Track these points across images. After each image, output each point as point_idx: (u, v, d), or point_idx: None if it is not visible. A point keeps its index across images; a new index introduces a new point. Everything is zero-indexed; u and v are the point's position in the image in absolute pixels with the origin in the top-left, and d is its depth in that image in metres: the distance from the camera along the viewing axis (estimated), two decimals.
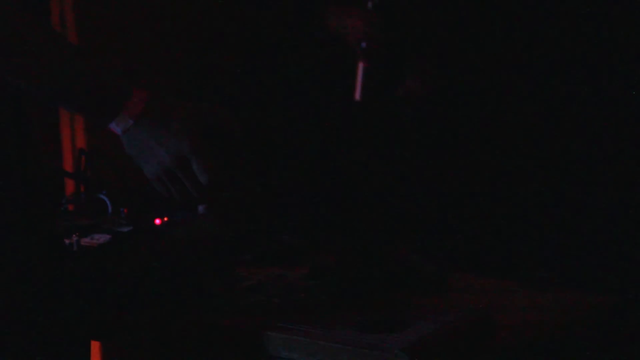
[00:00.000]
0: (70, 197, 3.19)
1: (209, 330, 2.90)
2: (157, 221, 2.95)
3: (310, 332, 2.67)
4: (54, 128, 4.01)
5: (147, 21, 4.59)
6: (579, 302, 3.07)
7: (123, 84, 2.54)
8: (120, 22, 4.53)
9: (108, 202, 3.01)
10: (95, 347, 3.50)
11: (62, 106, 2.94)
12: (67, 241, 2.96)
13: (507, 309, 2.92)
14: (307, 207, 3.90)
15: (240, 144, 2.83)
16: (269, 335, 2.68)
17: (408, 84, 4.58)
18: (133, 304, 2.90)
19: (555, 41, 5.23)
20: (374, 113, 4.49)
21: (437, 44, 4.77)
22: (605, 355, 3.06)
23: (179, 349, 3.07)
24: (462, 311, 2.77)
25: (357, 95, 4.46)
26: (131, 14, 4.52)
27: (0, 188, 2.57)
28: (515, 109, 5.32)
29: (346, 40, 4.45)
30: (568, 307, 3.02)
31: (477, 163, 5.02)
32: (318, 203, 4.24)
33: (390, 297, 2.89)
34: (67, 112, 3.82)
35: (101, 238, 2.97)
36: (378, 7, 4.42)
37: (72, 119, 4.03)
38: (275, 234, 3.13)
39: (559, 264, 5.34)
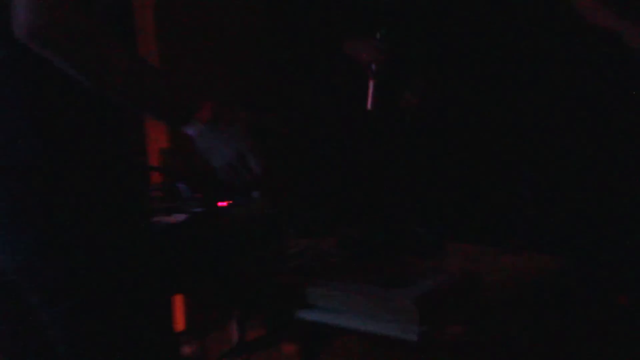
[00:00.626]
0: (155, 185, 3.49)
1: (260, 287, 3.21)
2: (222, 204, 3.23)
3: (340, 287, 2.99)
4: (142, 132, 4.30)
5: (213, 48, 4.84)
6: (541, 264, 3.37)
7: (194, 97, 2.81)
8: (192, 45, 4.79)
9: (184, 189, 3.32)
10: (179, 299, 3.79)
11: (149, 115, 3.14)
12: (153, 219, 3.23)
13: (490, 270, 3.18)
14: (334, 192, 4.20)
15: (282, 143, 3.19)
16: (309, 289, 3.01)
17: (407, 97, 4.89)
18: (205, 266, 3.21)
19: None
20: (382, 118, 4.83)
21: (429, 66, 5.07)
22: (558, 304, 3.40)
23: (241, 299, 3.40)
24: (455, 272, 3.08)
25: (369, 105, 4.72)
26: (201, 42, 4.81)
27: (106, 179, 2.79)
28: (492, 115, 5.67)
29: (360, 63, 4.80)
30: (533, 269, 3.33)
31: (464, 155, 5.33)
32: (342, 189, 4.57)
33: (400, 260, 3.18)
34: (152, 120, 4.12)
35: (180, 217, 3.22)
36: (383, 38, 4.79)
37: (156, 127, 4.34)
38: (311, 213, 3.47)
39: (529, 234, 5.72)
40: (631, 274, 5.44)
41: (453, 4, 5.11)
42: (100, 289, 2.82)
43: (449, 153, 5.14)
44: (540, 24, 5.44)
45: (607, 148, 5.31)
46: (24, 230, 2.77)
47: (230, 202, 3.21)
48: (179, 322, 3.79)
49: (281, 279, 3.16)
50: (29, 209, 2.75)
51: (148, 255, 2.98)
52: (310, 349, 3.51)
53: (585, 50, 5.22)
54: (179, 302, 3.70)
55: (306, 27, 4.87)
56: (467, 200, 5.36)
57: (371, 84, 4.74)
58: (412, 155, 4.96)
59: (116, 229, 2.86)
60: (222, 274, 3.22)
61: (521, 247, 3.59)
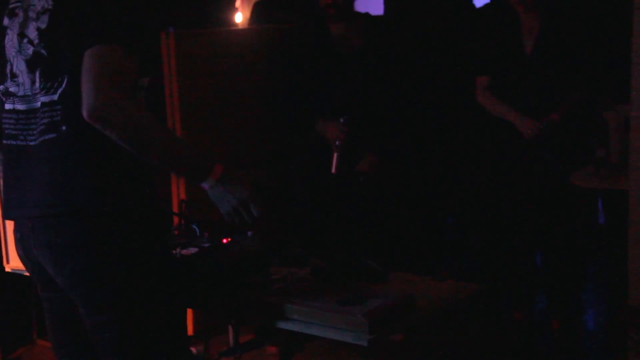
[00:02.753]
0: (175, 226, 3.45)
1: (251, 303, 3.20)
2: (224, 240, 3.24)
3: (310, 304, 3.00)
4: (167, 186, 4.31)
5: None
6: (461, 288, 3.36)
7: (209, 161, 2.85)
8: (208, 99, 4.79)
9: (197, 229, 3.29)
10: (189, 311, 3.77)
11: (175, 174, 3.15)
12: (173, 251, 3.22)
13: (422, 293, 3.14)
14: (308, 232, 4.19)
15: (271, 195, 3.24)
16: (287, 306, 3.01)
17: (360, 165, 4.87)
18: (210, 286, 3.19)
19: None
20: (342, 180, 4.80)
21: (378, 145, 5.10)
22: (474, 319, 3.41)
23: (236, 312, 3.42)
24: (396, 294, 3.06)
25: (333, 170, 4.74)
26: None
27: (141, 221, 2.85)
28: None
29: (328, 139, 4.77)
30: (455, 292, 3.32)
31: (402, 207, 5.34)
32: (314, 230, 4.57)
33: (354, 284, 3.18)
34: (175, 177, 4.15)
35: (193, 250, 3.22)
36: (346, 121, 4.69)
37: (178, 181, 4.36)
38: (290, 248, 3.44)
39: (450, 266, 5.74)
40: (523, 296, 5.49)
41: (395, 100, 5.12)
42: (136, 303, 2.86)
43: (391, 205, 5.15)
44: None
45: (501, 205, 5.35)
46: (79, 259, 2.81)
47: (230, 239, 3.22)
48: (189, 328, 3.77)
49: (266, 297, 3.16)
50: (83, 242, 2.79)
51: (170, 278, 3.00)
52: (287, 351, 3.56)
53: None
54: (189, 313, 3.69)
55: (291, 113, 4.91)
56: (405, 240, 5.39)
57: (335, 155, 4.75)
58: (364, 206, 4.97)
59: (149, 258, 2.91)
60: (223, 293, 3.23)
61: (445, 275, 3.59)
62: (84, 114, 2.61)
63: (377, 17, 5.66)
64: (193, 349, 3.78)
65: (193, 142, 4.35)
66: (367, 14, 5.25)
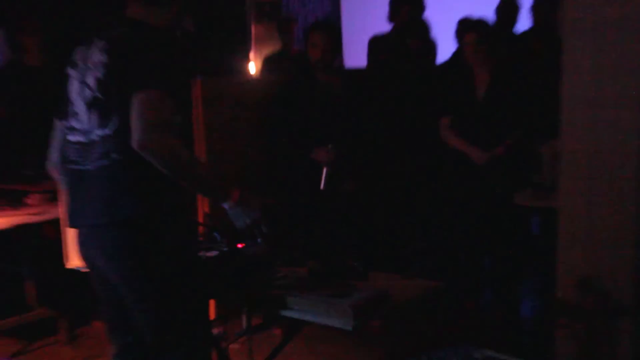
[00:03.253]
0: (201, 234, 3.45)
1: (260, 295, 3.21)
2: (239, 245, 3.23)
3: (306, 297, 3.02)
4: (194, 202, 4.30)
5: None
6: (425, 284, 3.35)
7: (229, 186, 2.90)
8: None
9: (217, 236, 3.31)
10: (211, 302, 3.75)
11: (203, 195, 3.18)
12: (199, 253, 3.21)
13: (394, 288, 3.15)
14: (306, 241, 4.15)
15: (275, 215, 3.25)
16: (289, 298, 3.05)
17: (344, 186, 4.93)
18: (227, 282, 3.20)
19: None
20: (330, 196, 4.78)
21: (360, 169, 5.11)
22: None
23: (248, 302, 3.40)
24: (374, 289, 3.10)
25: (322, 186, 4.70)
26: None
27: (175, 229, 2.89)
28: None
29: (319, 162, 4.75)
30: (420, 287, 3.31)
31: (379, 220, 5.35)
32: (311, 239, 4.54)
33: (342, 282, 3.18)
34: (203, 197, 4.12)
35: (214, 253, 3.23)
36: (333, 148, 4.70)
37: (202, 199, 4.35)
38: (291, 253, 3.46)
39: (416, 267, 5.75)
40: (474, 290, 5.49)
41: (370, 132, 5.12)
42: (168, 294, 2.89)
43: (370, 218, 5.15)
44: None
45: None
46: (123, 260, 2.86)
47: (244, 245, 3.22)
48: (211, 314, 3.77)
49: (272, 291, 3.17)
50: (125, 246, 2.83)
51: (196, 275, 3.02)
52: (289, 333, 3.55)
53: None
54: (211, 303, 3.69)
55: (290, 143, 4.89)
56: (381, 246, 5.40)
57: (324, 173, 4.71)
58: (349, 218, 4.98)
59: (179, 259, 2.93)
60: (237, 287, 3.23)
61: (411, 274, 3.61)
62: (133, 145, 2.65)
63: (353, 70, 5.66)
64: (214, 330, 3.77)
65: (215, 166, 4.40)
66: (343, 67, 5.29)
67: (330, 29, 5.17)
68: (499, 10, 6.39)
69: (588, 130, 3.66)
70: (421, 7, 5.99)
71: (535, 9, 5.95)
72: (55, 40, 5.37)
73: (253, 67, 8.25)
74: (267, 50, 8.24)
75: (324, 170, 4.74)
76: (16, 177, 4.88)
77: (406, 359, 1.85)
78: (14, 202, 4.57)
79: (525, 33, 6.26)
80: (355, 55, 6.49)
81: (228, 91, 4.90)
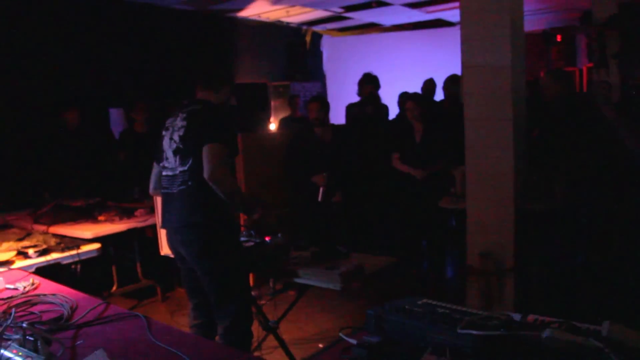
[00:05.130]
0: (243, 231, 3.36)
1: (280, 269, 3.21)
2: (266, 238, 3.22)
3: (310, 269, 3.04)
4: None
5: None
6: (387, 259, 3.33)
7: (257, 205, 2.96)
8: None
9: (252, 233, 3.28)
10: (250, 275, 3.74)
11: (241, 211, 3.19)
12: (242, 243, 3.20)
13: (367, 262, 3.16)
14: (309, 235, 4.15)
15: (284, 222, 3.29)
16: (298, 270, 3.05)
17: (336, 197, 4.90)
18: (259, 262, 3.21)
19: None
20: (325, 206, 4.76)
21: (345, 188, 5.07)
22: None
23: (273, 273, 3.41)
24: (353, 264, 3.08)
25: (319, 199, 4.66)
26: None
27: (229, 229, 2.92)
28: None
29: (317, 184, 4.73)
30: (384, 261, 3.30)
31: (355, 218, 5.36)
32: (312, 233, 4.54)
33: (333, 259, 3.18)
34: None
35: (250, 243, 3.25)
36: (326, 175, 4.72)
37: None
38: (300, 242, 3.42)
39: (382, 247, 5.73)
40: (417, 262, 5.49)
41: (350, 163, 5.13)
42: (225, 269, 2.89)
43: (349, 218, 5.14)
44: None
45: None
46: (197, 248, 2.86)
47: (269, 237, 3.22)
48: (251, 282, 3.77)
49: (288, 266, 3.16)
50: (198, 240, 2.86)
51: (241, 257, 3.02)
52: (300, 293, 3.54)
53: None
54: (250, 275, 3.67)
55: (300, 173, 4.90)
56: (359, 236, 5.39)
57: (321, 192, 4.70)
58: (338, 219, 4.98)
59: (230, 246, 2.94)
60: (266, 265, 3.22)
61: (377, 252, 3.61)
62: (205, 176, 2.72)
63: (337, 125, 5.71)
64: (253, 292, 3.78)
65: (251, 192, 4.36)
66: (331, 124, 5.34)
67: (322, 100, 5.17)
68: (424, 87, 6.46)
69: (480, 158, 3.70)
70: (378, 86, 6.03)
71: (445, 86, 6.00)
72: (154, 115, 5.53)
73: (273, 126, 8.29)
74: (281, 115, 8.33)
75: (321, 189, 4.73)
76: (129, 198, 4.97)
77: (373, 307, 1.84)
78: (128, 214, 4.62)
79: (441, 101, 6.27)
80: (337, 117, 6.53)
81: (258, 141, 4.92)
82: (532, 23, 9.63)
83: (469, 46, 3.61)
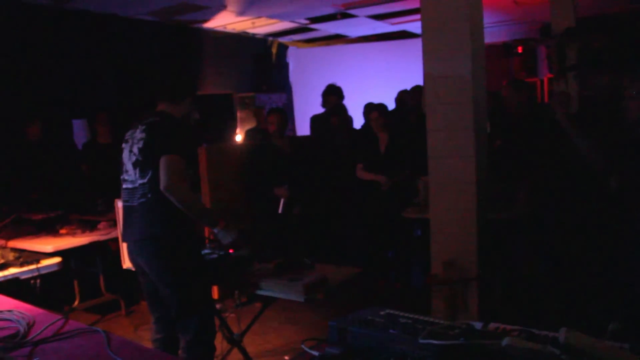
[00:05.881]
0: (206, 244, 3.38)
1: (245, 281, 3.16)
2: (230, 250, 3.16)
3: (274, 281, 2.99)
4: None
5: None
6: (349, 270, 3.34)
7: (217, 218, 2.89)
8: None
9: (217, 246, 3.21)
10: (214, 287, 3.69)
11: (202, 223, 3.08)
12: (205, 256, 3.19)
13: (331, 274, 3.14)
14: (271, 247, 4.06)
15: (247, 235, 3.25)
16: (262, 282, 3.01)
17: (295, 210, 4.85)
18: (224, 274, 3.18)
19: None
20: (286, 217, 4.72)
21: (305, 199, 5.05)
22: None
23: (237, 286, 3.37)
24: (317, 275, 3.05)
25: (280, 211, 4.65)
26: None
27: (190, 243, 2.88)
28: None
29: (278, 196, 4.69)
30: (347, 273, 3.30)
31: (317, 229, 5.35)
32: (274, 246, 4.46)
33: (297, 270, 3.13)
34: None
35: (214, 256, 3.18)
36: (287, 187, 4.67)
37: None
38: (263, 254, 3.37)
39: (347, 258, 5.73)
40: (383, 272, 5.51)
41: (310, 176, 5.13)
42: (186, 283, 2.86)
43: (311, 230, 5.11)
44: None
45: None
46: (156, 261, 2.85)
47: (233, 250, 3.17)
48: (214, 295, 3.72)
49: (252, 278, 3.11)
50: (158, 252, 2.82)
51: (204, 270, 3.00)
52: (265, 305, 3.51)
53: None
54: (214, 288, 3.62)
55: (261, 184, 4.86)
56: (322, 247, 5.38)
57: (282, 203, 4.67)
58: (299, 230, 4.96)
59: (192, 259, 2.92)
60: (230, 277, 3.18)
61: (341, 263, 3.59)
62: (161, 188, 2.70)
63: (297, 136, 5.71)
64: (217, 305, 3.73)
65: (217, 204, 4.28)
66: (291, 135, 5.34)
67: (280, 112, 5.14)
68: (398, 97, 6.55)
69: (442, 168, 3.71)
70: (342, 97, 6.04)
71: (409, 96, 6.09)
72: (116, 127, 5.46)
73: (239, 137, 8.25)
74: (247, 126, 8.29)
75: (282, 200, 4.70)
76: (92, 211, 4.92)
77: (337, 318, 1.83)
78: (91, 227, 4.57)
79: (407, 111, 6.33)
80: (303, 128, 6.54)
81: (223, 153, 4.86)
82: (493, 35, 9.82)
83: (430, 57, 3.64)
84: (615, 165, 2.78)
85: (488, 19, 8.75)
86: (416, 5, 3.68)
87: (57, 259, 3.73)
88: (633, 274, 2.61)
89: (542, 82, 9.97)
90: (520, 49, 10.28)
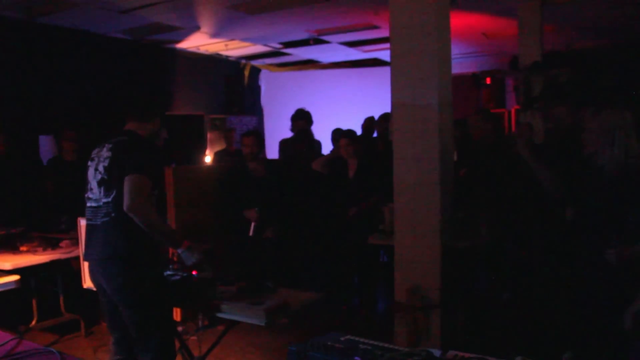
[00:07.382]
0: (169, 265, 3.28)
1: (207, 304, 3.09)
2: (194, 272, 3.07)
3: (236, 304, 2.95)
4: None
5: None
6: (312, 295, 3.28)
7: (181, 239, 2.89)
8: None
9: (180, 268, 3.17)
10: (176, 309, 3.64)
11: (164, 243, 3.04)
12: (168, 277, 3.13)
13: (293, 298, 3.12)
14: (235, 270, 4.04)
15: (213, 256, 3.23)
16: (224, 305, 2.97)
17: (267, 233, 4.83)
18: (186, 296, 3.11)
19: None
20: (256, 240, 4.70)
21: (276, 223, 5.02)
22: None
23: (200, 309, 3.32)
24: (279, 299, 3.01)
25: (250, 234, 4.63)
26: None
27: (155, 263, 2.87)
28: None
29: (249, 218, 4.66)
30: (309, 297, 3.26)
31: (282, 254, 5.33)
32: (237, 269, 4.44)
33: (260, 294, 3.10)
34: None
35: (177, 277, 3.12)
36: (258, 210, 4.66)
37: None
38: (226, 277, 3.28)
39: (310, 284, 5.70)
40: (347, 297, 5.49)
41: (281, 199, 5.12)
42: (147, 303, 2.83)
43: (276, 255, 5.08)
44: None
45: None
46: (118, 280, 2.81)
47: (196, 272, 3.13)
48: (177, 317, 3.68)
49: (214, 301, 3.07)
50: (120, 272, 2.80)
51: (167, 291, 2.98)
52: (226, 328, 3.47)
53: None
54: (176, 310, 3.58)
55: (231, 206, 4.83)
56: (285, 272, 5.36)
57: (252, 226, 4.67)
58: (267, 254, 4.92)
59: (154, 280, 2.89)
60: (193, 299, 3.13)
61: (306, 288, 3.58)
62: (125, 208, 2.68)
63: (270, 160, 5.70)
64: (179, 328, 3.68)
65: (178, 223, 4.25)
66: (265, 158, 5.32)
67: (256, 134, 5.13)
68: (365, 124, 6.63)
69: (407, 195, 3.76)
70: (310, 122, 6.05)
71: (377, 123, 6.16)
72: (82, 145, 5.40)
73: (209, 159, 8.23)
74: (217, 148, 8.27)
75: (252, 224, 4.68)
76: (55, 229, 4.83)
77: (297, 343, 1.84)
78: (53, 245, 4.50)
79: (374, 138, 6.40)
80: (273, 151, 6.55)
81: (191, 174, 4.81)
82: (463, 65, 10.02)
83: (398, 85, 3.70)
84: (571, 196, 2.86)
85: (458, 50, 8.96)
86: (387, 34, 3.73)
87: (15, 277, 3.66)
88: (588, 305, 2.67)
89: (509, 113, 10.16)
90: (488, 80, 10.49)
